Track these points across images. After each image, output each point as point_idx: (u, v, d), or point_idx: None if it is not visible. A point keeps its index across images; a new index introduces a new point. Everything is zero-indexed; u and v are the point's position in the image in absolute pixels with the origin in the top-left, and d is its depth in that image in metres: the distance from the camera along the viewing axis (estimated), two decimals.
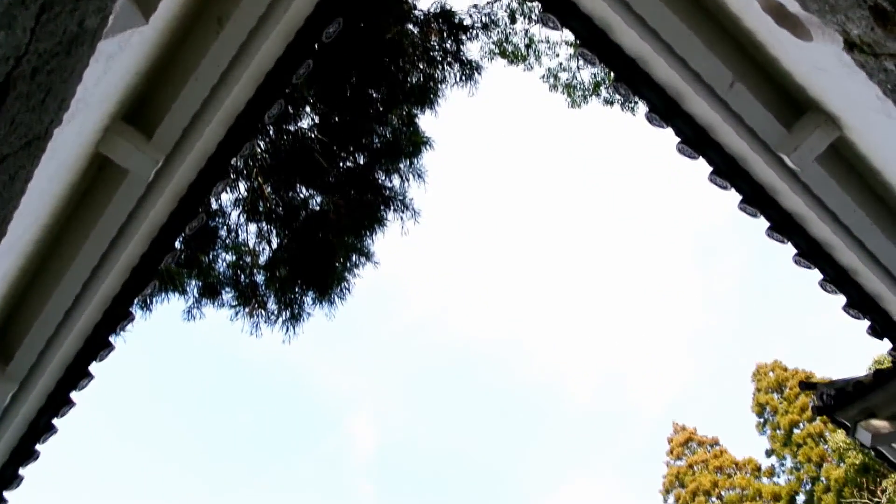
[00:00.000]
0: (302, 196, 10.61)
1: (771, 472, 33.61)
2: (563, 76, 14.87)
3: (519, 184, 70.42)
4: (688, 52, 3.91)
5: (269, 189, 10.45)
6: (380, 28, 9.79)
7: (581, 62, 14.44)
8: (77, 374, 5.08)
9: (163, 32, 3.55)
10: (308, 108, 10.28)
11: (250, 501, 57.01)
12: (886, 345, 5.39)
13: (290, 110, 9.88)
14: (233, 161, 4.65)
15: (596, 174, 71.61)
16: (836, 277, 4.91)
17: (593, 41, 4.26)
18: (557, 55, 14.73)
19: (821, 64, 3.08)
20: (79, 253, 4.18)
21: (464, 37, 11.34)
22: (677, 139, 4.57)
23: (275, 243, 10.71)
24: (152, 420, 58.96)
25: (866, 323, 5.20)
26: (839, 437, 26.71)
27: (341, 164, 10.60)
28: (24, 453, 5.41)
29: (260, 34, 3.84)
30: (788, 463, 32.49)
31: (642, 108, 4.57)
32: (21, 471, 5.57)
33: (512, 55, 14.27)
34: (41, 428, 5.29)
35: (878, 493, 26.40)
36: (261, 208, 10.55)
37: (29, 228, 3.77)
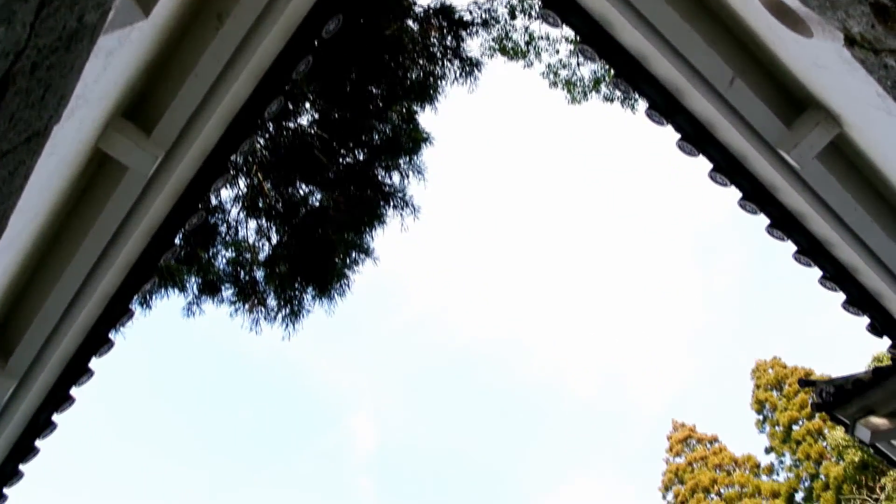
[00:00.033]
0: (302, 192, 10.61)
1: (770, 470, 33.64)
2: (563, 73, 14.86)
3: (519, 181, 70.45)
4: (688, 48, 3.91)
5: (268, 185, 10.45)
6: (379, 24, 9.78)
7: (581, 59, 14.42)
8: (77, 370, 5.08)
9: (162, 28, 3.55)
10: (308, 105, 10.27)
11: (250, 498, 57.10)
12: (886, 342, 5.39)
13: (290, 107, 9.87)
14: (232, 157, 4.65)
15: (596, 171, 71.64)
16: (836, 275, 4.91)
17: (593, 37, 4.26)
18: (557, 52, 14.71)
19: (821, 61, 3.08)
20: (78, 249, 4.17)
21: (464, 33, 11.32)
22: (677, 136, 4.57)
23: (274, 240, 10.71)
24: (152, 417, 59.02)
25: (866, 320, 5.20)
26: (838, 434, 26.73)
27: (341, 160, 10.59)
28: (23, 449, 5.42)
29: (260, 30, 3.83)
30: (787, 460, 32.52)
31: (642, 105, 4.56)
32: (21, 467, 5.58)
33: (512, 52, 14.25)
34: (41, 424, 5.29)
35: (877, 491, 26.43)
36: (260, 205, 10.55)
37: (28, 224, 3.77)
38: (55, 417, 5.34)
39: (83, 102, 3.05)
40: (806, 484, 30.88)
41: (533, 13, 13.52)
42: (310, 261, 10.41)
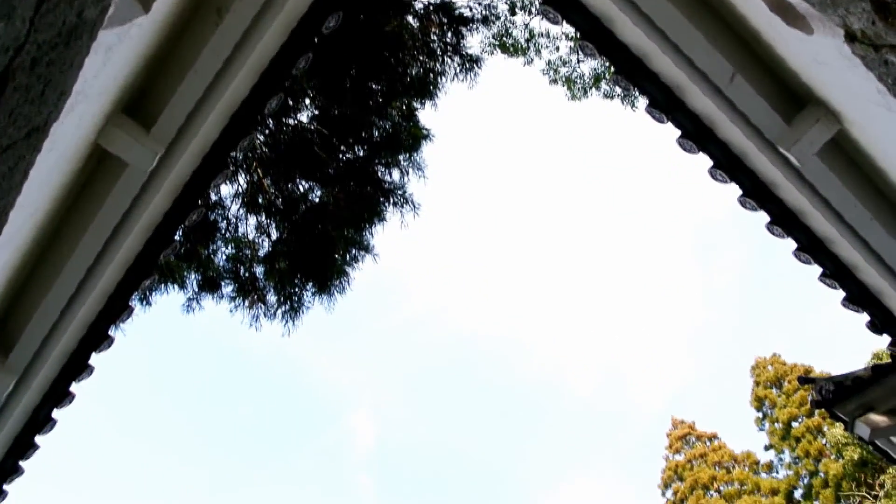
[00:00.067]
0: (301, 189, 10.61)
1: (769, 467, 33.68)
2: (564, 70, 14.86)
3: (519, 178, 70.45)
4: (688, 45, 3.91)
5: (268, 182, 10.45)
6: (379, 21, 9.77)
7: (581, 55, 14.42)
8: (77, 366, 5.09)
9: (162, 24, 3.55)
10: (308, 101, 10.27)
11: (250, 495, 57.18)
12: (885, 339, 5.40)
13: (290, 103, 9.87)
14: (232, 154, 4.65)
15: (596, 168, 71.62)
16: (836, 272, 4.92)
17: (594, 34, 4.26)
18: (557, 49, 14.72)
19: (821, 57, 3.08)
20: (78, 245, 4.18)
21: (464, 30, 11.32)
22: (677, 133, 4.57)
23: (274, 236, 10.71)
24: (152, 413, 59.09)
25: (866, 317, 5.20)
26: (838, 431, 26.74)
27: (341, 157, 10.59)
28: (23, 445, 5.42)
29: (259, 26, 3.83)
30: (787, 457, 32.56)
31: (642, 102, 4.57)
32: (21, 463, 5.58)
33: (512, 48, 14.24)
34: (41, 420, 5.30)
35: (877, 488, 26.46)
36: (260, 201, 10.55)
37: (28, 220, 3.77)
38: (55, 414, 5.35)
39: (83, 98, 3.05)
40: (805, 481, 30.93)
41: (533, 10, 13.52)
42: (310, 257, 10.42)
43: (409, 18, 10.70)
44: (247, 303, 10.54)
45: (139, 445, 57.43)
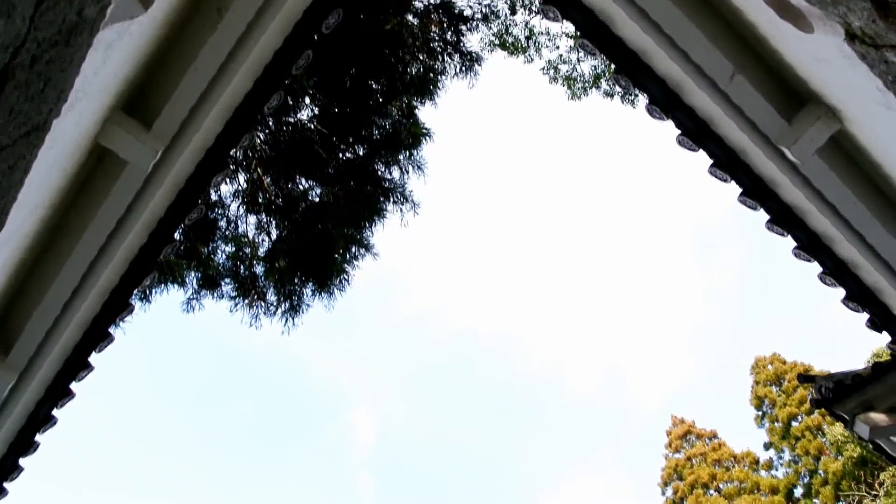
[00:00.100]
0: (301, 187, 10.61)
1: (769, 465, 33.69)
2: (564, 68, 14.85)
3: (519, 176, 70.42)
4: (689, 43, 3.91)
5: (268, 180, 10.44)
6: (379, 19, 9.77)
7: (581, 54, 14.41)
8: (77, 364, 5.09)
9: (162, 22, 3.54)
10: (308, 100, 10.27)
11: (250, 492, 57.21)
12: (885, 338, 5.40)
13: (290, 101, 9.86)
14: (232, 152, 4.65)
15: (596, 167, 71.59)
16: (836, 270, 4.92)
17: (594, 32, 4.26)
18: (558, 47, 14.71)
19: (822, 56, 3.08)
20: (78, 243, 4.18)
21: (464, 28, 11.31)
22: (677, 131, 4.57)
23: (274, 235, 10.71)
24: (151, 411, 59.12)
25: (865, 316, 5.20)
26: (837, 429, 26.76)
27: (341, 155, 10.59)
28: (24, 443, 5.42)
29: (259, 24, 3.83)
30: (786, 456, 32.56)
31: (642, 101, 4.57)
32: (21, 461, 5.58)
33: (512, 47, 14.24)
34: (41, 418, 5.30)
35: (876, 486, 26.47)
36: (260, 200, 10.55)
37: (28, 219, 3.77)
38: (55, 412, 5.35)
39: (83, 96, 3.05)
40: (805, 480, 30.93)
41: (533, 8, 13.51)
42: (309, 256, 10.42)
43: (409, 17, 10.69)
44: (247, 301, 10.54)
45: (139, 443, 57.47)
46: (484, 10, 12.18)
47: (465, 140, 63.14)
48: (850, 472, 27.52)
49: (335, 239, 10.59)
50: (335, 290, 10.70)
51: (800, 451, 31.29)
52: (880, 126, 3.60)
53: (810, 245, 4.81)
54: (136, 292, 4.97)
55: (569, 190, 70.26)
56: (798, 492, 31.10)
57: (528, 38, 14.37)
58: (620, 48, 4.27)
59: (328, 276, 10.58)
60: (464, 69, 11.20)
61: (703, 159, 4.66)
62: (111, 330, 5.10)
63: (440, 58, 11.02)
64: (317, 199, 10.66)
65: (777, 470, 33.31)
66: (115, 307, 4.91)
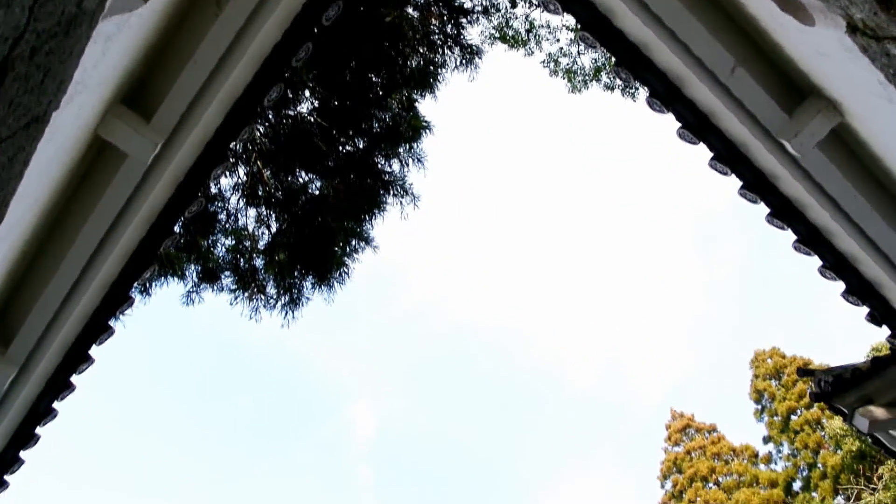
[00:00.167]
0: (301, 180, 10.60)
1: (768, 459, 33.75)
2: (564, 61, 14.82)
3: (519, 169, 70.36)
4: (689, 36, 3.90)
5: (268, 173, 10.44)
6: (379, 11, 9.74)
7: (582, 47, 14.39)
8: (77, 357, 5.09)
9: (161, 14, 3.54)
10: (307, 93, 10.25)
11: (250, 486, 57.32)
12: (885, 332, 5.40)
13: (290, 94, 9.85)
14: (232, 145, 4.64)
15: (596, 160, 71.56)
16: (836, 264, 4.92)
17: (594, 25, 4.25)
18: (558, 40, 14.68)
19: (823, 49, 3.07)
20: (78, 236, 4.17)
21: (464, 21, 11.29)
22: (678, 124, 4.57)
23: (274, 228, 10.71)
24: (151, 404, 59.17)
25: (865, 310, 5.20)
26: (836, 423, 26.82)
27: (341, 148, 10.58)
28: (24, 437, 5.43)
29: (259, 17, 3.82)
30: (786, 449, 32.61)
31: (643, 94, 4.56)
32: (22, 454, 5.60)
33: (512, 40, 14.21)
34: (41, 411, 5.31)
35: (875, 480, 26.52)
36: (260, 192, 10.54)
37: (28, 211, 3.77)
38: (56, 405, 5.36)
39: (82, 88, 3.04)
40: (804, 473, 30.99)
41: (534, 1, 13.47)
42: (309, 249, 10.42)
43: (410, 9, 10.67)
44: (246, 294, 10.55)
45: (139, 436, 57.57)
46: (484, 3, 12.16)
47: (465, 133, 63.10)
48: (849, 466, 27.57)
49: (335, 232, 10.59)
50: (335, 284, 10.72)
51: (799, 444, 31.34)
52: (881, 119, 3.59)
53: (810, 238, 4.81)
54: (135, 285, 4.97)
55: (569, 183, 70.24)
56: (797, 485, 31.16)
57: (528, 31, 14.35)
58: (621, 41, 4.26)
59: (328, 269, 10.59)
60: (464, 62, 11.19)
61: (704, 152, 4.66)
62: (111, 323, 5.10)
63: (440, 51, 11.00)
64: (317, 192, 10.66)
65: (776, 463, 33.39)
66: (115, 300, 4.91)
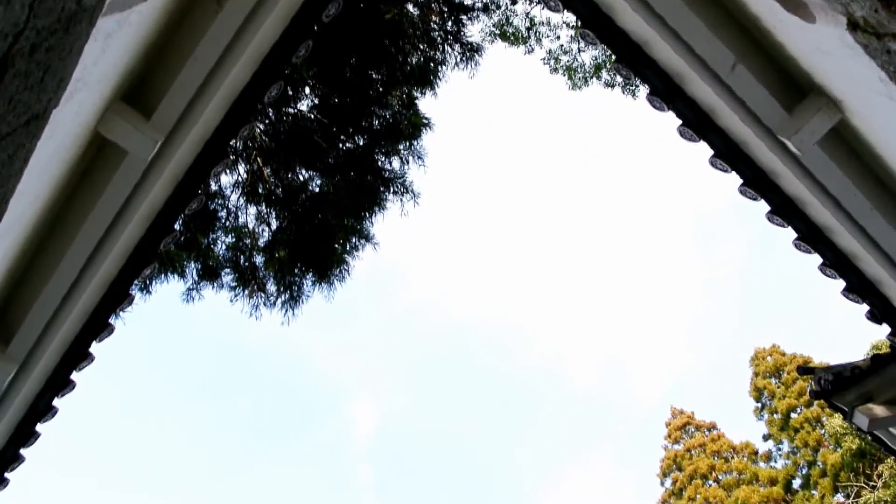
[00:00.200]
0: (301, 178, 10.60)
1: (768, 457, 33.75)
2: (564, 59, 14.82)
3: (519, 167, 70.33)
4: (690, 33, 3.89)
5: (268, 171, 10.43)
6: (380, 9, 9.74)
7: (582, 44, 14.38)
8: (77, 354, 5.09)
9: (161, 11, 3.53)
10: (308, 90, 10.24)
11: (250, 485, 57.35)
12: (885, 329, 5.40)
13: (290, 92, 9.84)
14: (232, 142, 4.64)
15: (596, 157, 71.50)
16: (836, 262, 4.91)
17: (595, 22, 4.24)
18: (558, 37, 14.68)
19: (823, 46, 3.07)
20: (78, 233, 4.17)
21: (464, 18, 11.28)
22: (678, 122, 4.56)
23: (274, 225, 10.71)
24: (151, 401, 59.19)
25: (865, 307, 5.20)
26: (836, 421, 26.83)
27: (341, 145, 10.58)
28: (24, 434, 5.43)
29: (259, 14, 3.81)
30: (785, 447, 32.62)
31: (643, 92, 4.56)
32: (22, 451, 5.60)
33: (513, 37, 14.20)
34: (42, 409, 5.31)
35: (875, 478, 26.54)
36: (260, 190, 10.54)
37: (28, 209, 3.76)
38: (56, 402, 5.36)
39: (82, 85, 3.04)
40: (803, 471, 31.00)
41: None
42: (309, 246, 10.42)
43: (410, 6, 10.66)
44: (247, 292, 10.55)
45: (138, 433, 57.57)
46: (484, 0, 12.15)
47: (465, 130, 63.05)
48: (849, 464, 27.58)
49: (335, 229, 10.59)
50: (335, 281, 10.72)
51: (799, 442, 31.35)
52: (882, 117, 3.59)
53: (810, 236, 4.81)
54: (136, 283, 4.97)
55: (569, 181, 70.22)
56: (797, 483, 31.16)
57: (528, 29, 14.34)
58: (621, 38, 4.25)
59: (328, 266, 10.59)
60: (464, 59, 11.18)
61: (704, 150, 4.65)
62: (111, 320, 5.10)
63: (440, 48, 10.99)
64: (317, 189, 10.66)
65: (776, 461, 33.39)
66: (116, 297, 4.91)
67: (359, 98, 10.17)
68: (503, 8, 13.54)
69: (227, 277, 10.57)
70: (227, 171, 10.12)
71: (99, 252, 4.40)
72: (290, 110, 10.17)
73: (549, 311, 69.68)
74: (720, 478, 33.48)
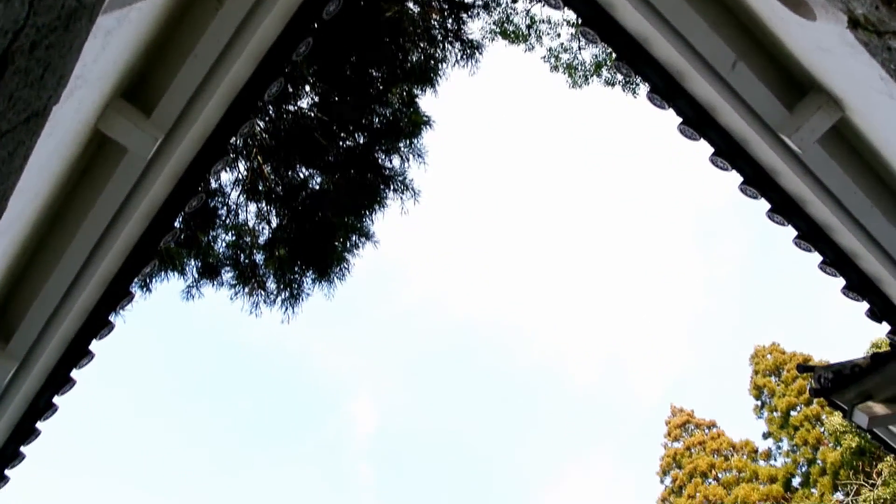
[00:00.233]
0: (302, 176, 10.60)
1: (768, 455, 33.77)
2: (565, 57, 14.82)
3: (519, 165, 70.32)
4: (690, 31, 3.89)
5: (268, 169, 10.43)
6: (380, 6, 9.73)
7: (582, 42, 14.37)
8: (77, 352, 5.09)
9: (162, 8, 3.53)
10: (308, 88, 10.24)
11: (250, 485, 57.39)
12: (885, 328, 5.40)
13: (290, 89, 9.84)
14: (232, 140, 4.63)
15: (597, 156, 71.49)
16: (836, 260, 4.91)
17: (595, 20, 4.24)
18: (559, 35, 14.67)
19: (824, 44, 3.06)
20: (78, 231, 4.17)
21: (465, 16, 11.28)
22: (679, 120, 4.56)
23: (274, 223, 10.71)
24: (151, 399, 59.22)
25: (865, 305, 5.20)
26: (836, 419, 26.83)
27: (341, 143, 10.58)
28: (24, 432, 5.44)
29: (260, 11, 3.81)
30: (785, 445, 32.63)
31: (643, 90, 4.56)
32: (22, 449, 5.60)
33: (513, 35, 14.20)
34: (42, 406, 5.31)
35: (874, 476, 26.55)
36: (260, 188, 10.54)
37: (28, 206, 3.76)
38: (56, 399, 5.36)
39: (82, 83, 3.04)
40: (803, 469, 31.03)
41: None
42: (310, 244, 10.42)
43: (410, 4, 10.65)
44: (247, 290, 10.56)
45: (138, 431, 57.60)
46: None
47: (465, 128, 63.02)
48: (849, 462, 27.60)
49: (335, 227, 10.59)
50: (335, 279, 10.72)
51: (798, 440, 31.36)
52: (882, 115, 3.59)
53: (811, 234, 4.81)
54: (136, 280, 4.97)
55: (570, 179, 70.22)
56: (796, 481, 31.19)
57: (529, 27, 14.34)
58: (621, 36, 4.25)
59: (328, 264, 10.59)
60: (464, 57, 11.19)
61: (705, 148, 4.65)
62: (111, 318, 5.10)
63: (441, 46, 10.99)
64: (317, 187, 10.66)
65: (775, 459, 33.42)
66: (116, 295, 4.91)
67: (359, 96, 10.17)
68: (504, 6, 13.55)
69: (227, 275, 10.58)
70: (228, 169, 10.13)
71: (99, 249, 4.40)
72: (291, 108, 10.17)
73: (549, 309, 69.73)
74: (720, 476, 33.51)
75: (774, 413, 33.11)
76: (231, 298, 10.56)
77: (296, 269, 10.56)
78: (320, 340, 67.55)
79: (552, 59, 14.86)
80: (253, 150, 10.22)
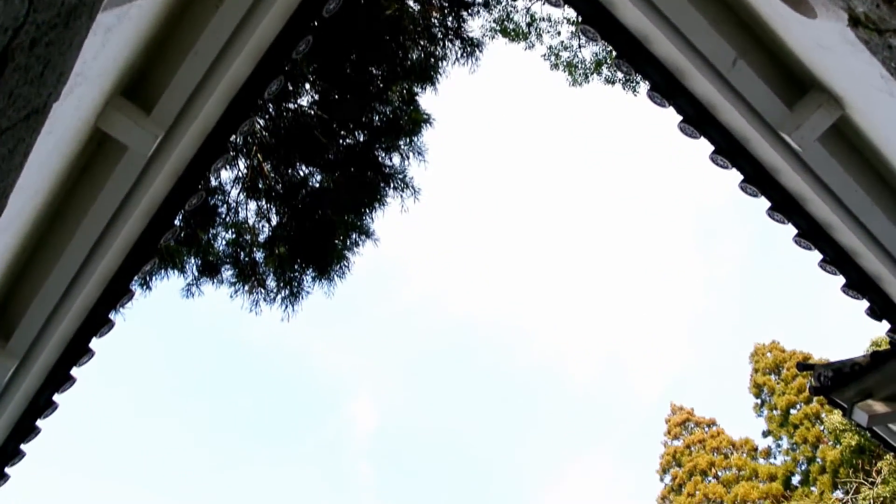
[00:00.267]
0: (302, 174, 10.59)
1: (767, 453, 33.80)
2: (565, 55, 14.81)
3: (519, 163, 70.27)
4: (690, 29, 3.89)
5: (268, 167, 10.43)
6: (380, 4, 9.72)
7: (583, 40, 14.36)
8: (77, 350, 5.09)
9: (161, 6, 3.53)
10: (308, 86, 10.23)
11: (250, 483, 57.41)
12: (885, 326, 5.40)
13: (290, 87, 9.83)
14: (232, 138, 4.63)
15: (597, 154, 71.47)
16: (836, 258, 4.91)
17: (595, 18, 4.24)
18: (559, 33, 14.67)
19: (824, 42, 3.06)
20: (78, 229, 4.17)
21: (465, 13, 11.27)
22: (679, 118, 4.56)
23: (274, 221, 10.71)
24: (151, 397, 59.24)
25: (865, 304, 5.20)
26: (836, 418, 26.82)
27: (341, 141, 10.57)
28: (24, 429, 5.44)
29: (260, 9, 3.81)
30: (785, 444, 32.66)
31: (643, 88, 4.55)
32: (22, 446, 5.60)
33: (513, 33, 14.20)
34: (42, 404, 5.31)
35: (874, 474, 26.57)
36: (260, 186, 10.53)
37: (28, 204, 3.76)
38: (56, 397, 5.36)
39: (82, 80, 3.03)
40: (803, 467, 31.05)
41: None
42: (310, 242, 10.42)
43: (410, 2, 10.65)
44: (247, 288, 10.56)
45: (138, 428, 57.62)
46: None
47: (465, 126, 62.95)
48: (848, 460, 27.61)
49: (335, 225, 10.59)
50: (335, 277, 10.72)
51: (798, 438, 31.39)
52: (883, 113, 3.59)
53: (811, 232, 4.81)
54: (136, 278, 4.97)
55: (569, 177, 70.21)
56: (796, 479, 31.22)
57: (529, 25, 14.34)
58: (622, 33, 4.25)
59: (328, 262, 10.59)
60: (465, 55, 11.18)
61: (705, 146, 4.65)
62: (111, 316, 5.10)
63: (441, 43, 10.98)
64: (317, 185, 10.66)
65: (775, 457, 33.45)
66: (116, 293, 4.91)
67: (359, 94, 10.16)
68: (504, 4, 13.55)
69: (227, 273, 10.58)
70: (228, 167, 10.13)
71: (99, 247, 4.40)
72: (291, 106, 10.16)
73: (549, 308, 69.73)
74: (719, 474, 33.53)
75: (774, 411, 33.13)
76: (231, 296, 10.57)
77: (296, 267, 10.56)
78: (320, 339, 67.61)
79: (552, 58, 14.87)
80: (253, 148, 10.22)
